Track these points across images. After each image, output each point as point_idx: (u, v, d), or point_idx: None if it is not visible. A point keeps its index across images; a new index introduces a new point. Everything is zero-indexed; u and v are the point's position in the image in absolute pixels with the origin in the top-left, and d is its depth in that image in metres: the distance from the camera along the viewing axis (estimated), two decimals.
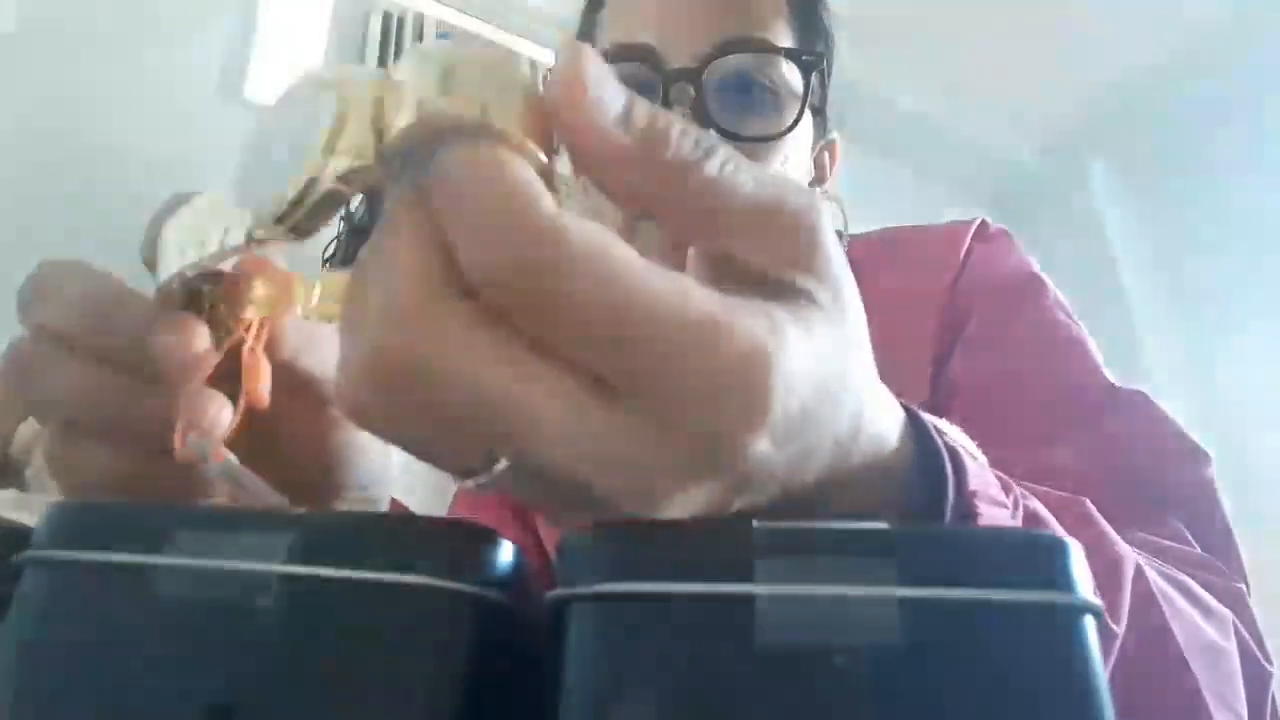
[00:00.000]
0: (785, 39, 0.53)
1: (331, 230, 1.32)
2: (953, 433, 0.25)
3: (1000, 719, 0.15)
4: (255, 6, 1.50)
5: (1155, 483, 0.43)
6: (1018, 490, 0.26)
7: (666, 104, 0.50)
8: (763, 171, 0.18)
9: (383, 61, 1.59)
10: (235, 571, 0.17)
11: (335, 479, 0.29)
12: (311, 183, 0.18)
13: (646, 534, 0.17)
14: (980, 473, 0.24)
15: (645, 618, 0.16)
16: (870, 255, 0.56)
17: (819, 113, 0.58)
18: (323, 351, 0.27)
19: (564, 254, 0.15)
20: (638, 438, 0.16)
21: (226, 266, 0.25)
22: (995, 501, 0.23)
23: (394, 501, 0.36)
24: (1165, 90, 2.13)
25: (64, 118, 1.24)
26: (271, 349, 0.25)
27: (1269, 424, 1.84)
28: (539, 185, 0.15)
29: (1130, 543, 0.35)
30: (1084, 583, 0.16)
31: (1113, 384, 0.48)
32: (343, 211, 1.18)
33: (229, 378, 0.24)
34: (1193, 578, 0.35)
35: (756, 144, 0.51)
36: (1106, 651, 0.25)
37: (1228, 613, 0.35)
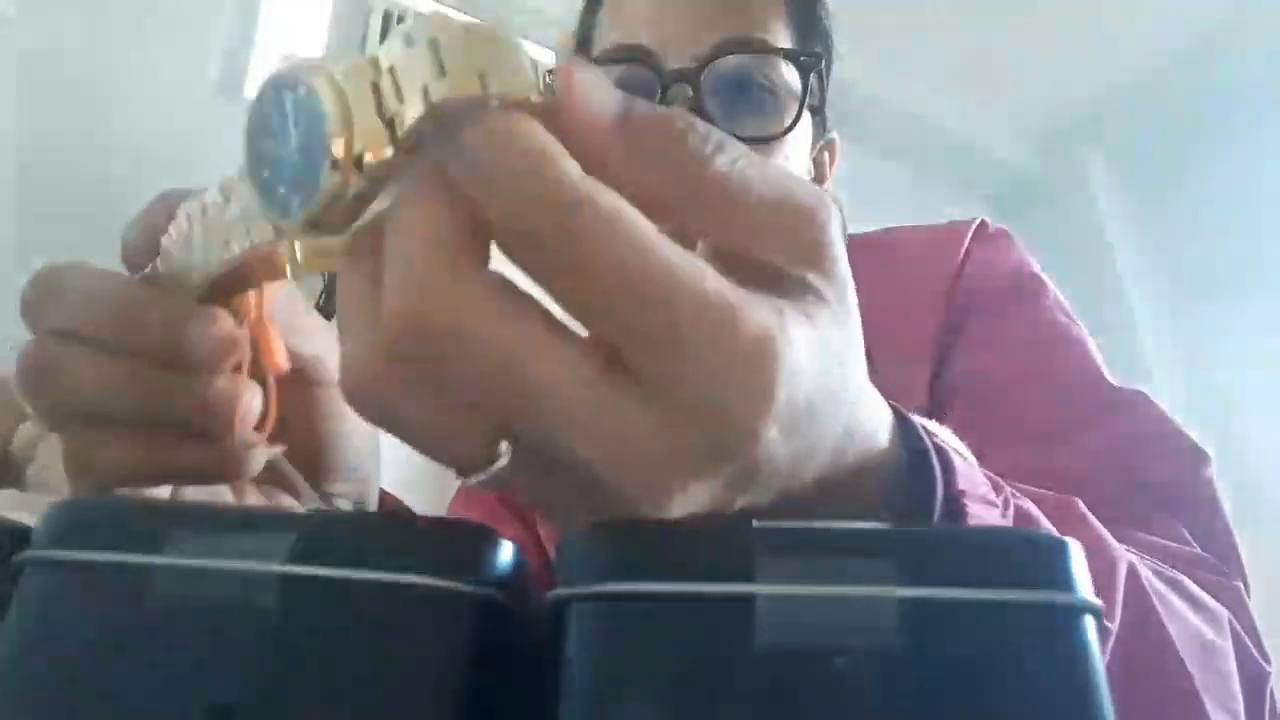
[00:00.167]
0: (784, 39, 0.53)
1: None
2: (943, 434, 0.25)
3: (1000, 719, 0.15)
4: (255, 6, 1.50)
5: (1155, 483, 0.43)
6: (1008, 490, 0.26)
7: (665, 105, 0.50)
8: (773, 168, 0.18)
9: None
10: (235, 571, 0.17)
11: (324, 460, 0.29)
12: (342, 191, 0.18)
13: (646, 534, 0.17)
14: (969, 472, 0.24)
15: (645, 618, 0.16)
16: (870, 255, 0.56)
17: (818, 113, 0.58)
18: (309, 334, 0.27)
19: (591, 217, 0.15)
20: (649, 418, 0.16)
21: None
22: (984, 500, 0.24)
23: (386, 494, 0.36)
24: (1165, 90, 2.13)
25: (64, 117, 1.23)
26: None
27: (1269, 424, 1.84)
28: (563, 149, 0.16)
29: (1130, 543, 0.35)
30: (1083, 582, 0.16)
31: (1112, 384, 0.49)
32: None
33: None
34: (1190, 577, 0.35)
35: (755, 145, 0.51)
36: (1101, 650, 0.25)
37: (1223, 611, 0.35)
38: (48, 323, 0.24)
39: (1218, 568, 0.40)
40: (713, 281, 0.16)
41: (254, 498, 0.30)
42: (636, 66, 0.52)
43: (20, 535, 0.20)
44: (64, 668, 0.18)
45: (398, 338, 0.16)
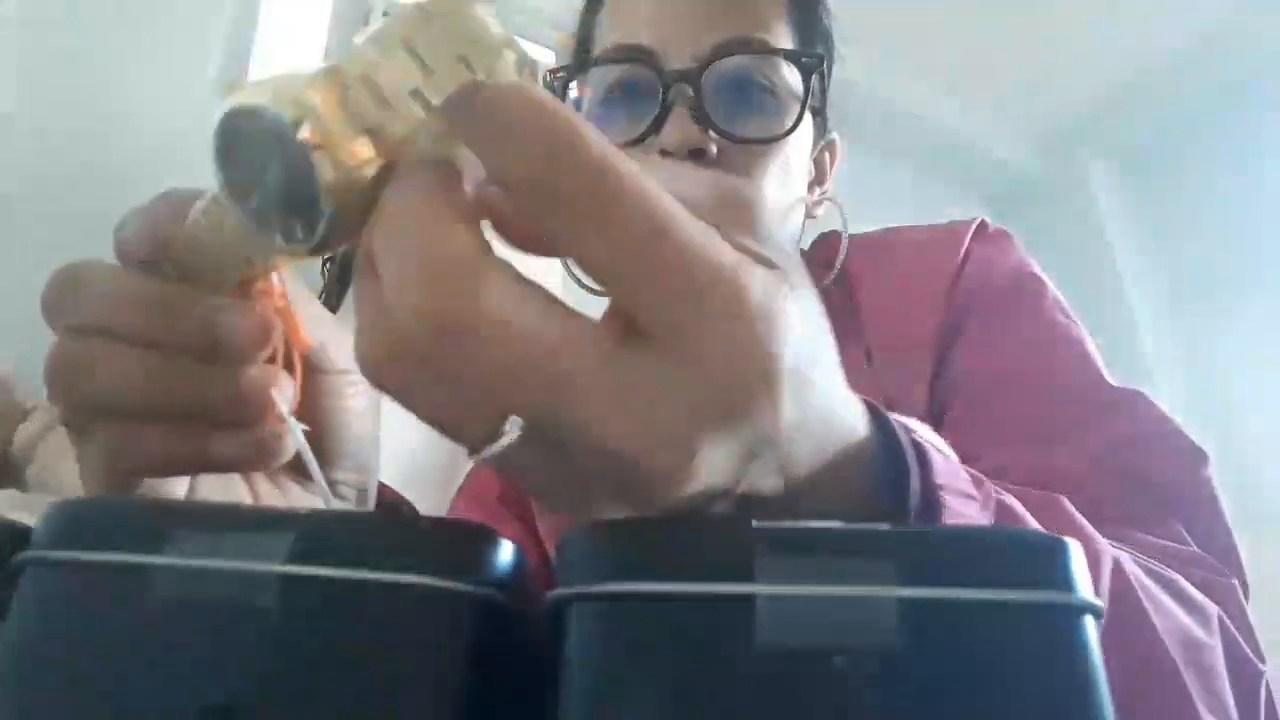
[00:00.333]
0: (785, 40, 0.53)
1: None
2: (922, 430, 0.25)
3: (1000, 719, 0.15)
4: (255, 6, 1.50)
5: (1154, 483, 0.43)
6: (990, 486, 0.26)
7: (666, 105, 0.50)
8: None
9: None
10: (235, 571, 0.17)
11: (325, 446, 0.29)
12: (340, 209, 0.18)
13: (647, 533, 0.17)
14: (948, 466, 0.24)
15: (645, 617, 0.16)
16: (871, 255, 0.56)
17: (819, 113, 0.58)
18: (312, 322, 0.27)
19: (616, 179, 0.16)
20: (669, 375, 0.16)
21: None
22: (963, 494, 0.23)
23: (385, 487, 0.36)
24: (1165, 90, 2.13)
25: (64, 117, 1.23)
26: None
27: (1269, 424, 1.84)
28: (577, 115, 0.16)
29: (1128, 543, 0.35)
30: (1083, 582, 0.16)
31: (1112, 384, 0.48)
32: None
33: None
34: (1186, 575, 0.35)
35: (756, 145, 0.51)
36: None
37: (1213, 607, 0.35)
38: (70, 320, 0.24)
39: (1215, 567, 0.39)
40: (723, 247, 0.17)
41: (265, 485, 0.30)
42: (637, 66, 0.52)
43: (20, 535, 0.20)
44: (64, 668, 0.18)
45: (420, 331, 0.16)
